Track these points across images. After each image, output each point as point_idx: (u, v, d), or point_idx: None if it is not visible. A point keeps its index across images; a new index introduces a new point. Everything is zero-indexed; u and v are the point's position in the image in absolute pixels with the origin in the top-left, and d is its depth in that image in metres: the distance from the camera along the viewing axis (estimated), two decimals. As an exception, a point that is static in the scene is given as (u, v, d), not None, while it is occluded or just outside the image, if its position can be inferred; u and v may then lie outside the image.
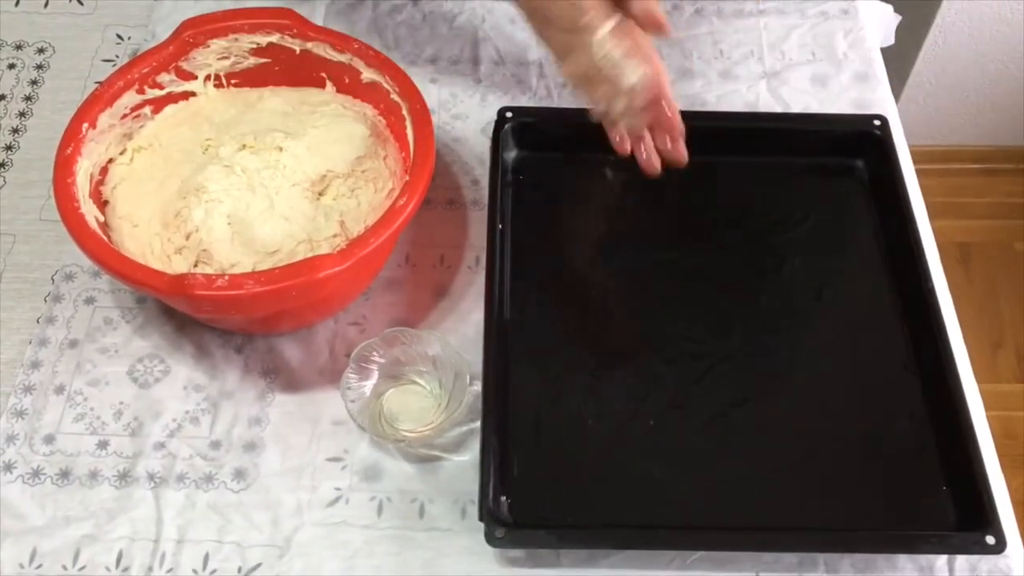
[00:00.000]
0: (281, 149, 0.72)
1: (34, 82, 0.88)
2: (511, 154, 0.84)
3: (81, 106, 0.71)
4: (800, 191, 0.83)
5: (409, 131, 0.72)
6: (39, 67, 0.89)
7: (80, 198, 0.67)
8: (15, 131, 0.85)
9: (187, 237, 0.70)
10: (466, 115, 0.88)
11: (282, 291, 0.62)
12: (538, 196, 0.82)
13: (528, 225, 0.80)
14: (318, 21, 0.92)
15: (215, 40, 0.75)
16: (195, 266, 0.69)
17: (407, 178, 0.68)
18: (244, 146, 0.72)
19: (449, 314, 0.76)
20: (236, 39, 0.75)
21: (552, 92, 0.90)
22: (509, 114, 0.83)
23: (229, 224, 0.69)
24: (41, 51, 0.90)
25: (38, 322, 0.74)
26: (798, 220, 0.81)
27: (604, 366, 0.73)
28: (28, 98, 0.87)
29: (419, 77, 0.89)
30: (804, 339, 0.76)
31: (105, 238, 0.66)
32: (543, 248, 0.79)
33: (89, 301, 0.76)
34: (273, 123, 0.74)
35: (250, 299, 0.62)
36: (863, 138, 0.83)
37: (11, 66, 0.90)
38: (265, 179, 0.70)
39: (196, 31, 0.74)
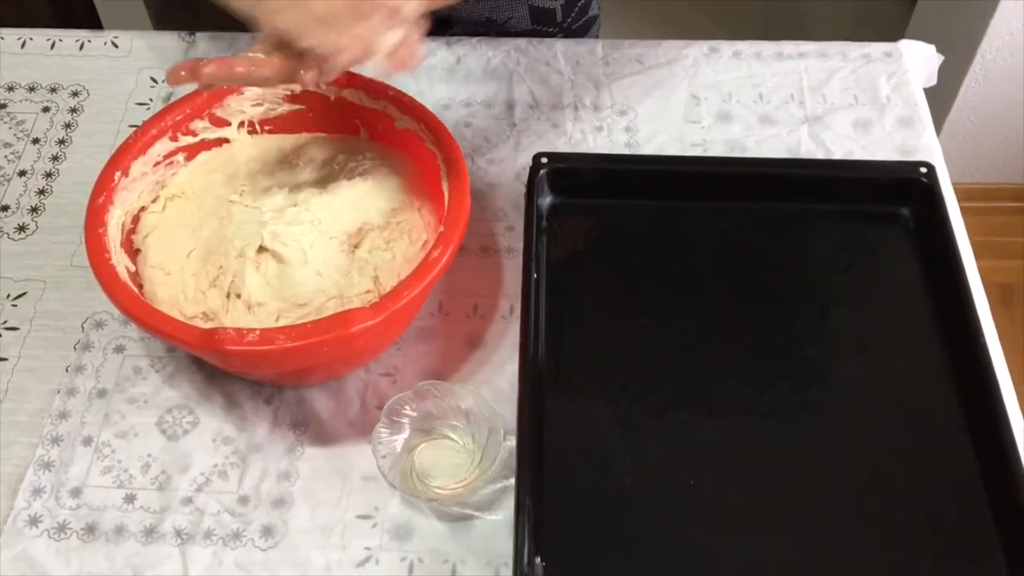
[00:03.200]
0: (316, 201, 0.70)
1: (68, 125, 0.88)
2: (546, 200, 0.82)
3: (114, 154, 0.71)
4: (843, 239, 0.81)
5: (444, 181, 0.71)
6: (73, 110, 0.89)
7: (111, 248, 0.66)
8: (48, 175, 0.85)
9: (219, 267, 0.69)
10: (500, 160, 0.87)
11: (313, 346, 0.61)
12: (574, 243, 0.80)
13: (564, 273, 0.78)
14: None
15: (249, 86, 0.74)
16: (227, 298, 0.68)
17: (441, 229, 0.67)
18: (278, 196, 0.71)
19: (483, 365, 0.74)
20: (270, 86, 0.75)
21: (587, 136, 0.88)
22: (544, 160, 0.82)
23: (259, 269, 0.68)
24: (75, 94, 0.90)
25: (67, 371, 0.74)
26: (842, 268, 0.79)
27: (643, 421, 0.71)
28: (62, 141, 0.87)
29: (453, 121, 0.88)
30: (850, 393, 0.73)
31: (136, 289, 0.65)
32: (580, 297, 0.77)
33: (119, 350, 0.75)
34: (307, 172, 0.74)
35: (281, 354, 0.61)
36: (909, 186, 0.80)
37: (45, 109, 0.89)
38: (298, 234, 0.69)
39: (230, 78, 0.74)
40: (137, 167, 0.71)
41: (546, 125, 0.89)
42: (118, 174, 0.70)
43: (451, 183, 0.70)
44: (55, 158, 0.86)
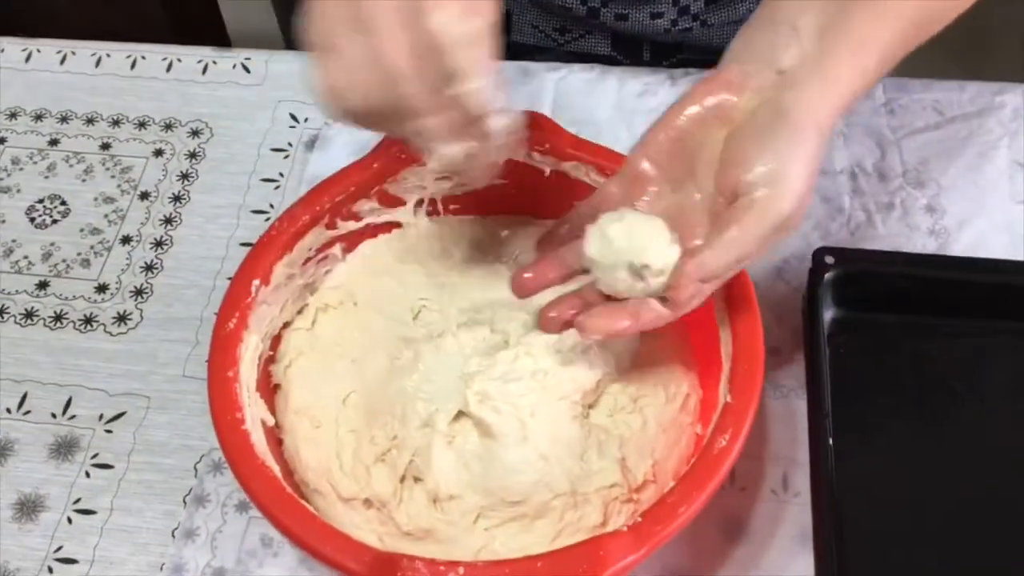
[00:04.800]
0: (537, 338, 0.48)
1: (185, 176, 0.68)
2: (828, 314, 0.59)
3: (250, 254, 0.50)
4: None
5: (718, 309, 0.48)
6: (192, 155, 0.69)
7: (244, 402, 0.45)
8: (159, 244, 0.65)
9: (393, 438, 0.48)
10: (753, 246, 0.64)
11: (546, 593, 0.39)
12: (874, 381, 0.57)
13: (861, 423, 0.55)
14: (545, 111, 0.69)
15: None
16: (401, 482, 0.47)
17: (728, 399, 0.44)
18: (481, 327, 0.49)
19: (750, 570, 0.52)
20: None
21: (874, 217, 0.64)
22: (830, 259, 0.59)
23: (452, 445, 0.47)
24: (195, 133, 0.70)
25: (173, 536, 0.54)
26: None
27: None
28: (177, 198, 0.67)
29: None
30: None
31: (277, 472, 0.44)
32: (886, 461, 0.54)
33: (243, 508, 0.55)
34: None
35: (495, 603, 0.39)
36: None
37: (158, 153, 0.70)
38: (516, 394, 0.47)
39: (411, 143, 0.52)
40: (281, 270, 0.50)
41: (814, 198, 0.65)
42: (256, 283, 0.49)
43: (734, 315, 0.47)
44: (168, 220, 0.66)
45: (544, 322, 0.47)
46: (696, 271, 0.42)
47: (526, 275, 0.47)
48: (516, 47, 0.78)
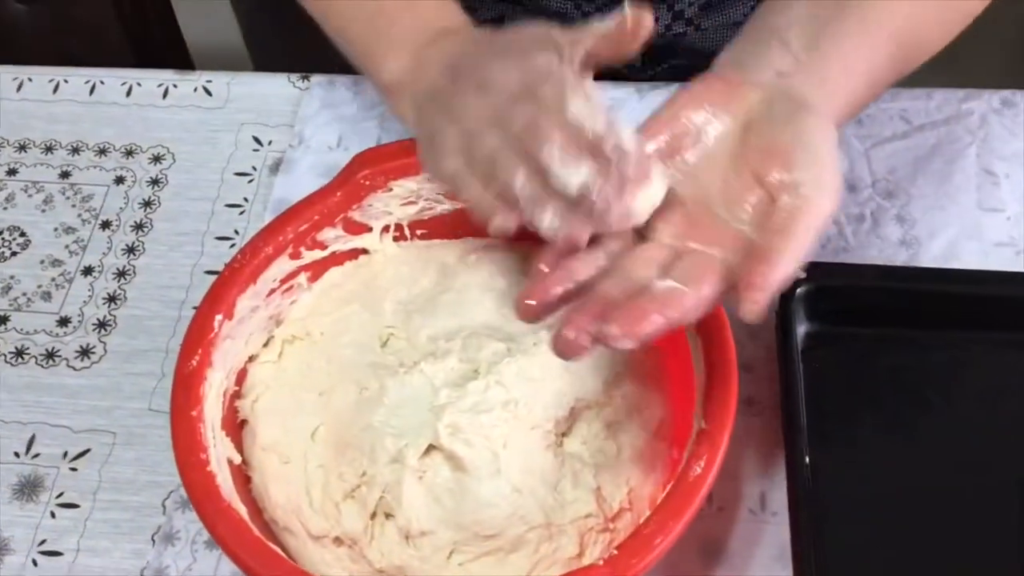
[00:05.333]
0: (509, 367, 0.48)
1: (147, 203, 0.67)
2: (802, 328, 0.59)
3: (212, 288, 0.48)
4: None
5: (690, 332, 0.48)
6: (154, 182, 0.68)
7: (209, 441, 0.44)
8: (121, 274, 0.64)
9: (362, 474, 0.47)
10: (722, 259, 0.63)
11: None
12: (849, 396, 0.57)
13: (838, 438, 0.55)
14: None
15: (401, 181, 0.52)
16: (372, 519, 0.46)
17: (703, 425, 0.43)
18: (450, 356, 0.48)
19: (730, 590, 0.51)
20: (429, 178, 0.52)
21: (845, 229, 0.64)
22: (802, 273, 0.58)
23: (423, 480, 0.46)
24: (157, 159, 0.69)
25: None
26: None
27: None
28: (139, 226, 0.66)
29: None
30: None
31: (244, 513, 0.43)
32: (863, 475, 0.54)
33: (213, 544, 0.53)
34: (485, 310, 0.51)
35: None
36: None
37: (119, 180, 0.68)
38: (487, 425, 0.46)
39: (374, 170, 0.51)
40: (245, 303, 0.49)
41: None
42: (219, 318, 0.48)
43: (706, 338, 0.46)
44: (130, 250, 0.65)
45: (562, 347, 0.39)
46: (780, 281, 0.39)
47: (529, 301, 0.41)
48: None
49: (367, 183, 0.52)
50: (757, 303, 0.39)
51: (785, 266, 0.39)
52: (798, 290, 0.58)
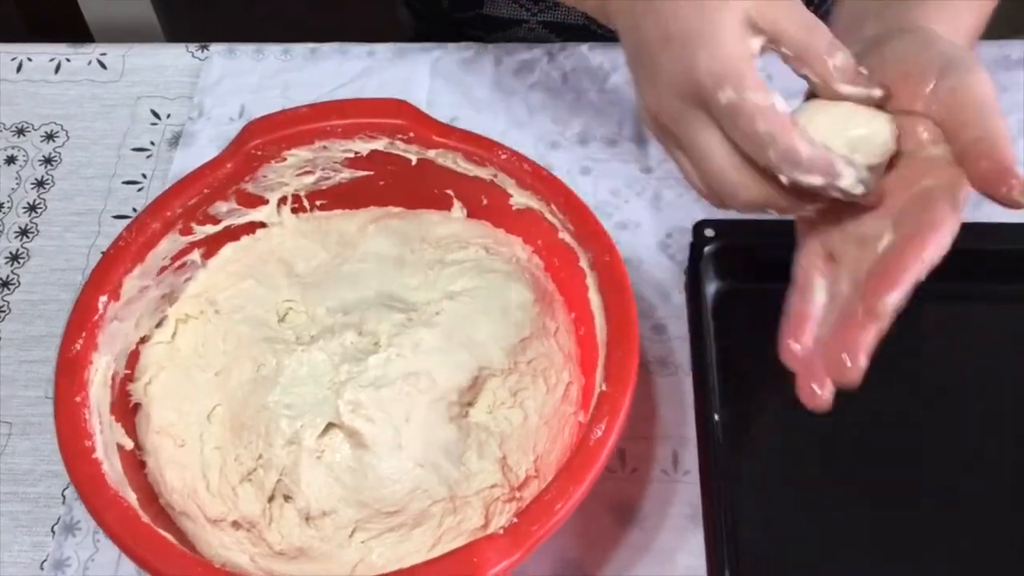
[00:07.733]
0: (408, 337, 0.46)
1: (40, 183, 0.64)
2: (712, 287, 0.59)
3: (95, 269, 0.46)
4: None
5: (593, 295, 0.47)
6: (47, 160, 0.65)
7: (95, 428, 0.43)
8: (14, 258, 0.61)
9: (259, 457, 0.46)
10: (636, 223, 0.63)
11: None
12: (761, 353, 0.57)
13: (748, 397, 0.55)
14: (421, 93, 0.67)
15: (295, 150, 0.50)
16: (270, 502, 0.45)
17: (603, 387, 0.43)
18: (348, 331, 0.47)
19: (643, 554, 0.51)
20: (325, 147, 0.51)
21: (756, 186, 0.64)
22: (710, 231, 0.58)
23: (322, 459, 0.45)
24: (50, 137, 0.66)
25: (42, 569, 0.51)
26: None
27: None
28: (32, 208, 0.63)
29: (566, 166, 0.64)
30: None
31: (133, 501, 0.42)
32: (773, 434, 0.54)
33: (116, 533, 0.52)
34: (385, 280, 0.49)
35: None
36: None
37: (10, 160, 0.65)
38: (388, 400, 0.45)
39: (266, 139, 0.50)
40: (132, 283, 0.47)
41: (696, 170, 0.65)
42: (103, 300, 0.46)
43: (608, 301, 0.46)
44: (23, 232, 0.63)
45: (810, 400, 0.42)
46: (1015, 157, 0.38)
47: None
48: (488, 20, 0.75)
49: (260, 153, 0.50)
50: (1017, 181, 0.38)
51: (1008, 140, 0.38)
52: (706, 248, 0.58)
